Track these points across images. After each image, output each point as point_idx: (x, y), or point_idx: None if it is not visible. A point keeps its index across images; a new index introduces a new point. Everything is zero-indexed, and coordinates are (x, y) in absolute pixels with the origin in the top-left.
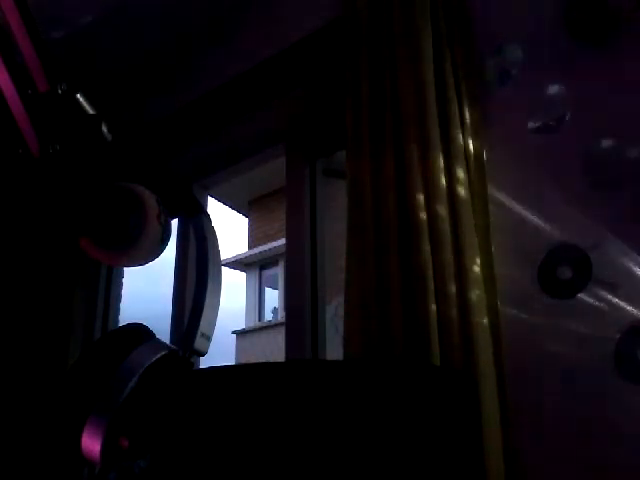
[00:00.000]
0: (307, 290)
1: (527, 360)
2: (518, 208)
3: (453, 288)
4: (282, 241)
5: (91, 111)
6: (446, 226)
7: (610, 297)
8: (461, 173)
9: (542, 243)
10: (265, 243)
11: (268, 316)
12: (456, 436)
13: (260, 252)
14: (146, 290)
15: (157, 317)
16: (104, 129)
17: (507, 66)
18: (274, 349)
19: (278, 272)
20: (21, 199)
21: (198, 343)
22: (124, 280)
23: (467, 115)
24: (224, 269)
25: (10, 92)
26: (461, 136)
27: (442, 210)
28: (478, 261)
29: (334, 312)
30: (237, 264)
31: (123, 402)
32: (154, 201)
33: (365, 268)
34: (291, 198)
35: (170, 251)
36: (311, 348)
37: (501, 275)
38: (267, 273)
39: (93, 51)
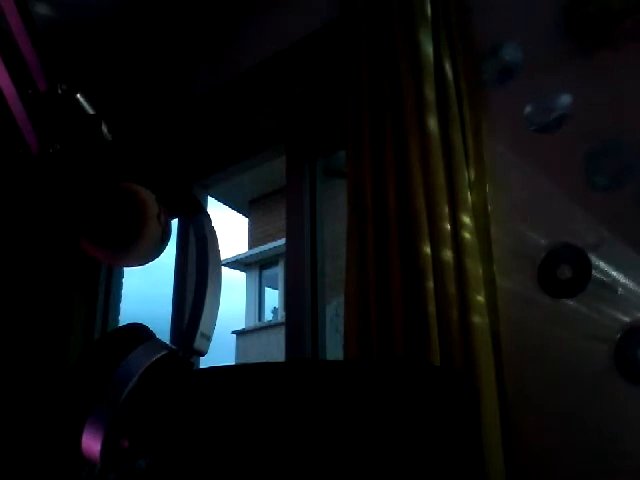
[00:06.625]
0: (307, 290)
1: (527, 360)
2: (518, 208)
3: (453, 288)
4: (282, 241)
5: (91, 111)
6: (446, 226)
7: (610, 297)
8: (461, 173)
9: (542, 243)
10: (265, 243)
11: (268, 316)
12: (456, 436)
13: (260, 252)
14: (146, 290)
15: (157, 317)
16: (104, 129)
17: (507, 66)
18: (274, 349)
19: (278, 272)
20: (21, 199)
21: (198, 343)
22: (124, 280)
23: (467, 115)
24: (224, 269)
25: (10, 92)
26: (461, 136)
27: (442, 210)
28: (478, 261)
29: (334, 312)
30: (237, 264)
31: (123, 402)
32: (154, 201)
33: (365, 268)
34: (291, 198)
35: (170, 251)
36: (311, 348)
37: (501, 275)
38: (267, 273)
39: (94, 50)
